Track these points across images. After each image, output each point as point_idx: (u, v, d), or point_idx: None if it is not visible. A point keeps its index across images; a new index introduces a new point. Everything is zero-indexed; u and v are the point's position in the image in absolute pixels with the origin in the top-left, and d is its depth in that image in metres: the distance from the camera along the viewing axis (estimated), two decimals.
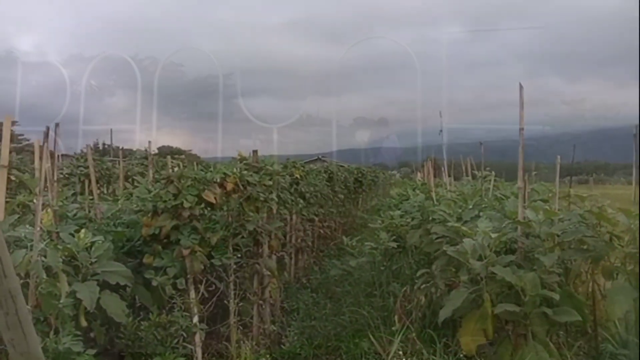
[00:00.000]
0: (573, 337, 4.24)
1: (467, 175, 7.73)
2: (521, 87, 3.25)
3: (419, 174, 15.38)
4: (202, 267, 3.92)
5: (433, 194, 6.17)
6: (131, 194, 4.89)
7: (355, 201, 14.34)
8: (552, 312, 2.95)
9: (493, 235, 3.21)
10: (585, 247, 3.53)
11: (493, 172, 5.34)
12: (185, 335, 3.79)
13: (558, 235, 3.32)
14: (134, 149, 11.97)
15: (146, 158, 8.30)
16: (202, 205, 4.00)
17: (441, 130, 5.50)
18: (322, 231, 9.00)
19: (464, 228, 3.52)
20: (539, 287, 2.97)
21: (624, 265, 3.37)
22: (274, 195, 4.58)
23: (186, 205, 3.74)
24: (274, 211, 5.03)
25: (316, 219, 8.16)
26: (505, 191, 5.41)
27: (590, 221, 3.52)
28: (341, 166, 12.92)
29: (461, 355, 3.38)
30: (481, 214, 4.13)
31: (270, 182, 4.52)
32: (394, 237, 6.69)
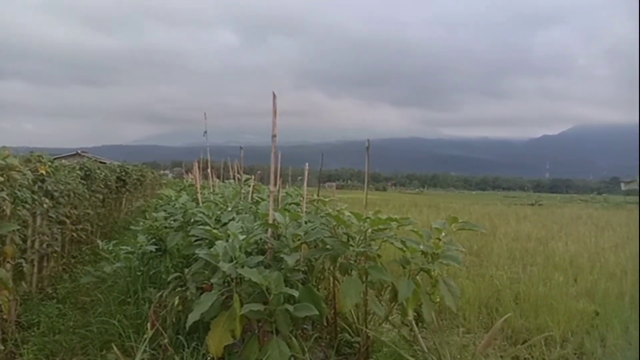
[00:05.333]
0: (318, 330, 4.64)
1: (233, 178, 7.90)
2: (274, 95, 3.41)
3: (189, 174, 15.21)
4: None
5: (199, 196, 6.13)
6: None
7: (118, 202, 13.40)
8: (293, 309, 3.14)
9: (241, 237, 3.31)
10: (328, 246, 3.88)
11: (253, 176, 5.53)
12: None
13: (302, 236, 3.58)
14: None
15: None
16: None
17: (205, 132, 5.48)
18: (75, 235, 8.15)
19: (215, 230, 3.54)
20: (283, 285, 3.14)
21: (356, 262, 3.80)
22: (4, 194, 3.95)
23: None
24: (8, 212, 4.36)
25: (68, 221, 7.35)
26: (263, 194, 5.66)
27: (330, 223, 3.88)
28: (102, 163, 11.96)
29: (208, 358, 3.38)
30: (237, 216, 4.22)
31: (1, 178, 3.89)
32: (155, 240, 6.44)
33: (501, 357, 4.54)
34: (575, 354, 4.93)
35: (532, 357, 4.79)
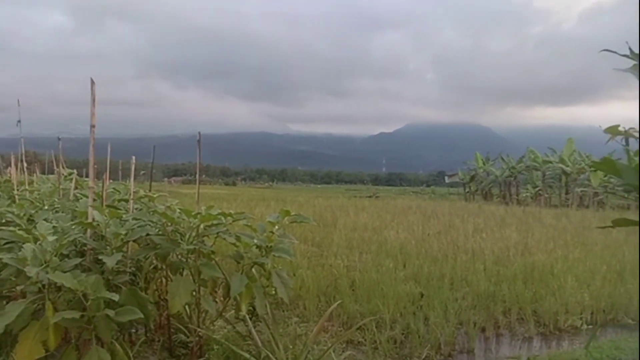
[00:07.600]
0: (152, 332, 4.40)
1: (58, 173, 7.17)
2: (93, 82, 3.12)
3: (9, 169, 13.50)
4: None
5: (16, 193, 5.46)
6: None
7: None
8: (114, 314, 2.92)
9: (52, 238, 2.98)
10: (158, 245, 3.68)
11: (75, 170, 5.05)
12: None
13: (124, 235, 3.34)
14: None
15: None
16: None
17: (19, 121, 4.86)
18: None
19: (20, 232, 3.16)
20: (102, 289, 2.89)
21: (188, 259, 3.67)
22: None
23: None
24: None
25: None
26: (86, 191, 5.20)
27: (159, 220, 3.69)
28: None
29: None
30: (53, 215, 3.82)
31: None
32: None
33: (334, 341, 4.75)
34: (402, 334, 5.35)
35: (365, 339, 5.08)
